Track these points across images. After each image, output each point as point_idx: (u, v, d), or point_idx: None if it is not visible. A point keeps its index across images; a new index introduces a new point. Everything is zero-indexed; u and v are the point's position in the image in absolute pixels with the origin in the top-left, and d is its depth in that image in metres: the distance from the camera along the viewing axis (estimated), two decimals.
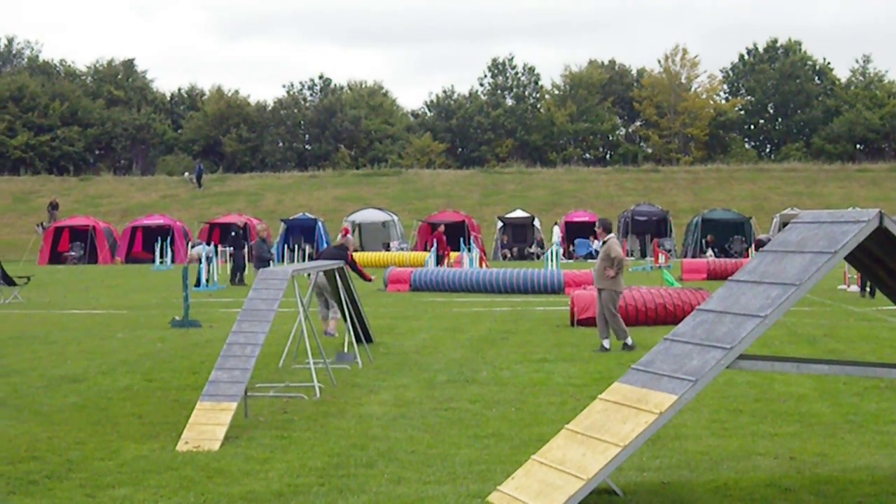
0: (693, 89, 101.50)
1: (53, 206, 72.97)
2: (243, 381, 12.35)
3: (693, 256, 54.40)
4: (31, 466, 10.33)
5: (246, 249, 41.31)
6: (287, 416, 13.07)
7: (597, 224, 19.77)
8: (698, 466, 10.31)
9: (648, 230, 61.27)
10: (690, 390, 8.76)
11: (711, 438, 11.56)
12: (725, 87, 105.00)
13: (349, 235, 20.26)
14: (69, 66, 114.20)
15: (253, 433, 11.92)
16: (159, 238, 58.06)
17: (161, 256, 55.59)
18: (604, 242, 18.84)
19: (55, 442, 11.50)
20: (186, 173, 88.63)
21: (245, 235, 46.12)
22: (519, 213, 64.12)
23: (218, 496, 9.20)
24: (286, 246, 55.86)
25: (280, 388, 14.93)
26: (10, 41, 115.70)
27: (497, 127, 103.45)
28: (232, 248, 42.83)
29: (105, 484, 9.66)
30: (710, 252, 54.83)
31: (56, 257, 61.90)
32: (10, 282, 32.82)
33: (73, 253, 62.11)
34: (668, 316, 22.65)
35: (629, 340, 18.64)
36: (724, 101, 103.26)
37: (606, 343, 18.58)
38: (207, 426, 11.53)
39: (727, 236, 59.15)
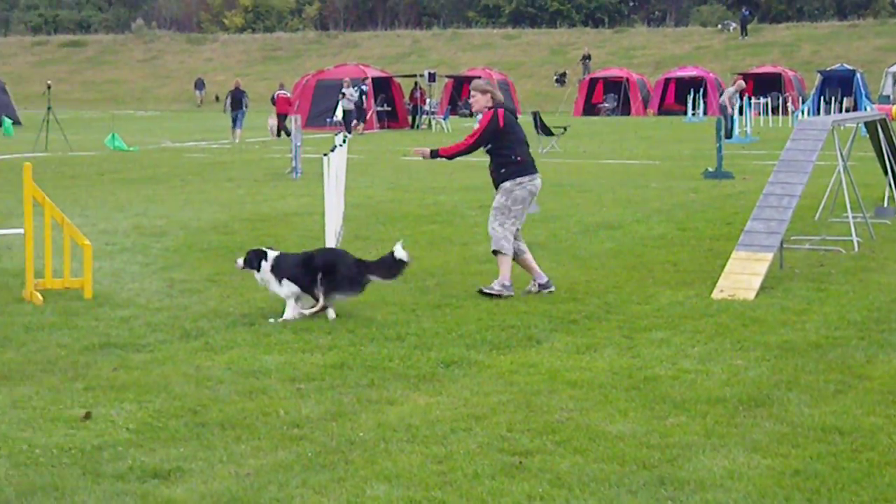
0: None
1: (586, 58, 74.46)
2: (779, 231, 12.14)
3: None
4: (571, 307, 10.70)
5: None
6: (823, 268, 12.76)
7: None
8: None
9: None
10: None
11: None
12: None
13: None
14: None
15: (788, 285, 11.74)
16: (692, 90, 57.93)
17: (693, 108, 55.54)
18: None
19: (592, 285, 11.85)
20: (727, 21, 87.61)
21: None
22: None
23: (754, 343, 9.16)
24: (822, 98, 54.11)
25: (816, 241, 14.59)
26: None
27: None
28: None
29: (641, 327, 9.86)
30: None
31: (590, 109, 63.32)
32: (547, 132, 33.97)
33: (606, 104, 63.33)
34: None
35: None
36: None
37: None
38: (743, 276, 11.46)
39: None
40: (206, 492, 5.96)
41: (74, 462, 6.42)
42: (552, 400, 7.65)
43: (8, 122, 46.06)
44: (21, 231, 11.57)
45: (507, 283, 11.19)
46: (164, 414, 7.32)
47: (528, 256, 11.48)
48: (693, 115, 54.73)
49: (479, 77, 58.30)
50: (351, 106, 44.66)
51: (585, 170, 26.36)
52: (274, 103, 44.92)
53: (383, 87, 51.15)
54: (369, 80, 48.97)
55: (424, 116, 50.84)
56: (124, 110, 70.11)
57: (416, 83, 52.23)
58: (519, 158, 11.38)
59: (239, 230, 16.09)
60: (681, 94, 61.26)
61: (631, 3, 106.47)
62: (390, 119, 50.86)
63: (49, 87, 38.01)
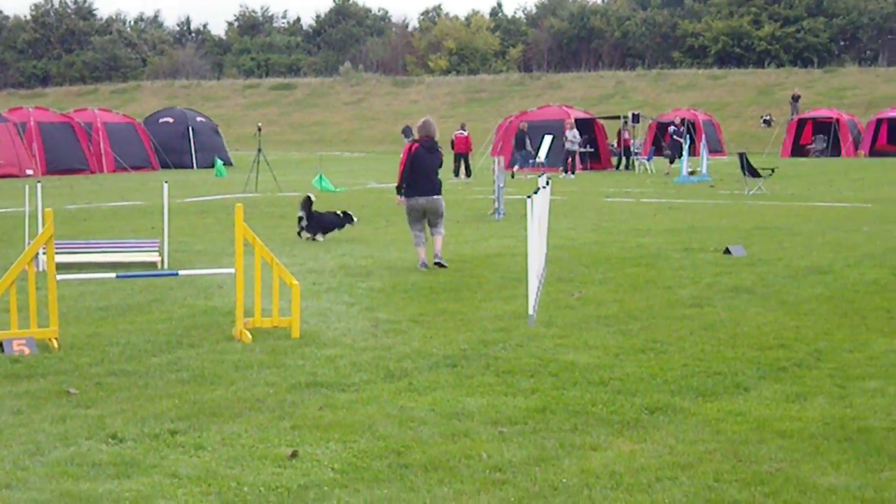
0: None
1: (795, 99, 73.03)
2: None
3: None
4: (780, 354, 10.42)
5: None
6: None
7: None
8: None
9: None
10: None
11: None
12: None
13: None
14: None
15: None
16: None
17: None
18: None
19: (802, 331, 11.51)
20: None
21: None
22: None
23: None
24: None
25: None
26: None
27: None
28: None
29: (854, 375, 9.53)
30: None
31: (798, 150, 62.02)
32: (754, 173, 33.38)
33: (815, 146, 61.92)
34: None
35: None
36: None
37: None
38: None
39: None
40: None
41: (281, 501, 6.51)
42: (761, 450, 7.45)
43: (220, 163, 47.52)
44: (232, 270, 11.85)
45: (419, 264, 16.38)
46: (368, 454, 7.38)
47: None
48: None
49: (682, 118, 57.75)
50: (574, 147, 45.05)
51: (793, 212, 25.75)
52: (452, 144, 43.98)
53: (586, 128, 51.06)
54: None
55: (631, 158, 50.51)
56: (331, 152, 71.66)
57: (624, 123, 51.86)
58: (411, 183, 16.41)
59: (441, 271, 16.20)
60: (894, 134, 59.55)
61: (841, 43, 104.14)
62: (593, 160, 50.80)
63: (259, 130, 39.11)
